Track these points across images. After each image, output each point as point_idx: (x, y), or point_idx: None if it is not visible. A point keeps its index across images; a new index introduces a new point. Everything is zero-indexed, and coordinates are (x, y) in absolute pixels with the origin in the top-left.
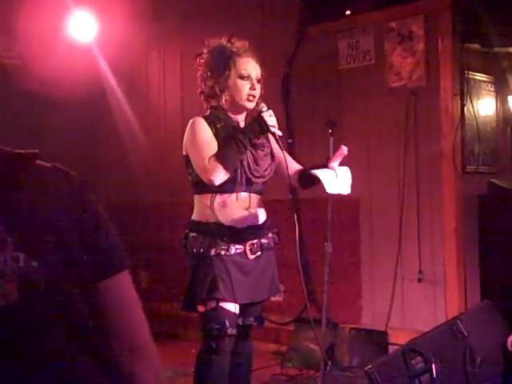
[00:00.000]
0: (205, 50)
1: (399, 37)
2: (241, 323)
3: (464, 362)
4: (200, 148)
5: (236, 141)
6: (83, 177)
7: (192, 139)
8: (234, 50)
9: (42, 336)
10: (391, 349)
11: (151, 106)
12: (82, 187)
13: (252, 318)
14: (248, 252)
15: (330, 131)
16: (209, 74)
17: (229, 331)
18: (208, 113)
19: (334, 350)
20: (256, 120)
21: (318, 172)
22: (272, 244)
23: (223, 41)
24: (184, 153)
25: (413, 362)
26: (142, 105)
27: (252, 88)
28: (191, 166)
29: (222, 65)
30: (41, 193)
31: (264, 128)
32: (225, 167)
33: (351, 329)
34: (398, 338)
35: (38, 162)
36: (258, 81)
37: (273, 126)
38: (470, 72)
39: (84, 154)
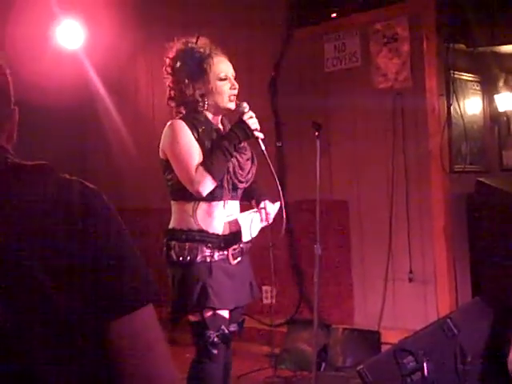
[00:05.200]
0: (170, 55)
1: (384, 38)
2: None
3: (455, 359)
4: (184, 155)
5: (222, 149)
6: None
7: (173, 144)
8: (202, 50)
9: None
10: (384, 348)
11: (140, 111)
12: (89, 198)
13: (235, 325)
14: (230, 257)
15: (316, 133)
16: (186, 81)
17: (228, 336)
18: (183, 114)
19: (328, 350)
20: (239, 125)
21: (240, 217)
22: (249, 248)
23: (184, 43)
24: (162, 157)
25: (404, 361)
26: (130, 111)
27: (232, 87)
28: (171, 171)
29: (197, 69)
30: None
31: (248, 133)
32: (213, 177)
33: (344, 329)
34: (391, 338)
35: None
36: (234, 78)
37: (256, 130)
38: (455, 72)
39: (72, 160)
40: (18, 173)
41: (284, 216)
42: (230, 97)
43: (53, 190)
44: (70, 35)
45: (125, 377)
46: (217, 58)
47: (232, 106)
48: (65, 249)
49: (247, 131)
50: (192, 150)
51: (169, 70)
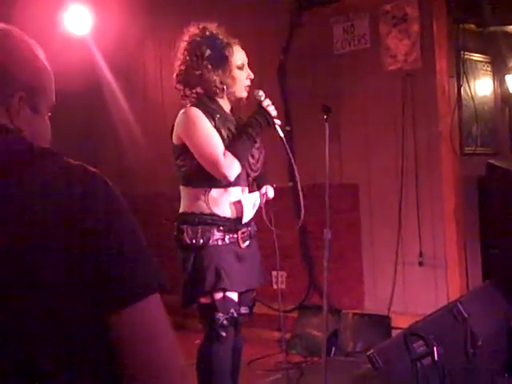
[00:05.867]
0: (190, 39)
1: (394, 19)
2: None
3: (465, 343)
4: (208, 142)
5: (247, 135)
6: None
7: (194, 132)
8: (223, 38)
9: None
10: (394, 333)
11: (149, 96)
12: (90, 182)
13: (246, 308)
14: (240, 241)
15: (325, 117)
16: (209, 66)
17: (239, 320)
18: (193, 99)
19: (338, 335)
20: (260, 112)
21: (243, 199)
22: (256, 232)
23: (203, 29)
24: (176, 142)
25: (414, 345)
26: (139, 96)
27: (248, 76)
28: (185, 157)
29: (219, 56)
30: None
31: (269, 120)
32: (241, 163)
33: (354, 314)
34: (401, 322)
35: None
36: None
37: (275, 117)
38: (466, 52)
39: (81, 147)
40: (22, 156)
41: (302, 204)
42: (245, 87)
43: (54, 174)
44: (78, 21)
45: (131, 367)
46: (235, 47)
47: (245, 94)
48: (64, 233)
49: (268, 118)
50: (215, 137)
51: (189, 53)
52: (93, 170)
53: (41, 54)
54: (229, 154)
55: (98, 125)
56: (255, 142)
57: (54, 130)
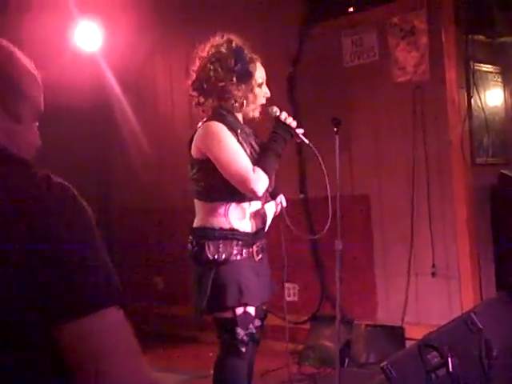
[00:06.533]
0: (208, 47)
1: (402, 32)
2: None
3: (480, 355)
4: (237, 158)
5: (273, 151)
6: (87, 186)
7: (221, 146)
8: (250, 56)
9: None
10: (408, 344)
11: (159, 112)
12: (54, 193)
13: (258, 320)
14: (255, 254)
15: (335, 129)
16: (234, 79)
17: (256, 336)
18: (207, 109)
19: (351, 346)
20: (281, 127)
21: (266, 207)
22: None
23: (229, 41)
24: (196, 156)
25: (428, 356)
26: (149, 111)
27: (265, 95)
28: (205, 172)
29: (245, 71)
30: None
31: (292, 132)
32: (269, 178)
33: (367, 325)
34: (415, 333)
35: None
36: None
37: (296, 128)
38: (475, 63)
39: (91, 162)
40: None
41: (330, 211)
42: (259, 105)
43: (15, 183)
44: (88, 37)
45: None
46: (258, 64)
47: (257, 113)
48: (18, 244)
49: (290, 131)
50: (241, 152)
51: (213, 62)
52: (58, 180)
53: (24, 59)
54: (258, 170)
55: (108, 140)
56: (280, 157)
57: (63, 146)
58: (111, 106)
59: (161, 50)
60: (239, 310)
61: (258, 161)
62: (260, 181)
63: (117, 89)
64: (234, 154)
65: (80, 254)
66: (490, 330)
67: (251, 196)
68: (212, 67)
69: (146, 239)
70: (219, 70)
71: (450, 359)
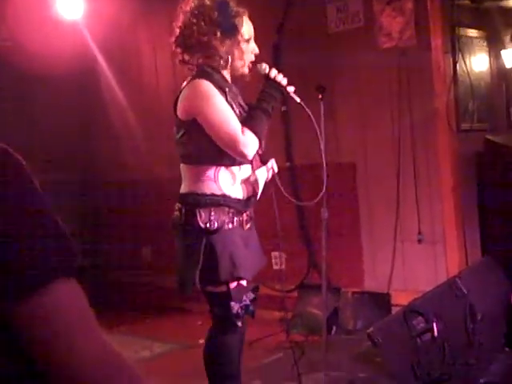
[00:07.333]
0: (195, 2)
1: None
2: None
3: (465, 319)
4: (225, 119)
5: (263, 110)
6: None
7: (209, 107)
8: (234, 6)
9: None
10: (394, 310)
11: (143, 81)
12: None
13: (252, 293)
14: (244, 223)
15: (320, 96)
16: (218, 34)
17: (251, 308)
18: (192, 67)
19: (338, 314)
20: (270, 84)
21: (257, 173)
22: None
23: None
24: (183, 118)
25: (414, 322)
26: (133, 81)
27: (253, 51)
28: (194, 133)
29: (230, 25)
30: None
31: (282, 90)
32: (259, 140)
33: (354, 292)
34: (401, 300)
35: None
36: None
37: (287, 85)
38: (461, 28)
39: (75, 133)
40: None
41: (325, 182)
42: (249, 63)
43: None
44: (70, 5)
45: (47, 367)
46: (245, 18)
47: (246, 70)
48: None
49: (280, 88)
50: (230, 112)
51: (196, 16)
52: (15, 154)
53: None
54: (247, 132)
55: (92, 110)
56: (270, 116)
57: (47, 114)
58: (95, 75)
59: (144, 20)
60: (233, 284)
61: (247, 121)
62: (250, 143)
63: (100, 57)
64: (224, 114)
65: (30, 224)
66: (474, 294)
67: (241, 160)
68: (195, 21)
69: (132, 211)
70: (202, 23)
71: (434, 324)
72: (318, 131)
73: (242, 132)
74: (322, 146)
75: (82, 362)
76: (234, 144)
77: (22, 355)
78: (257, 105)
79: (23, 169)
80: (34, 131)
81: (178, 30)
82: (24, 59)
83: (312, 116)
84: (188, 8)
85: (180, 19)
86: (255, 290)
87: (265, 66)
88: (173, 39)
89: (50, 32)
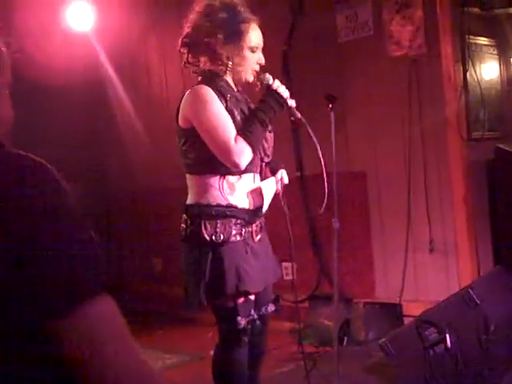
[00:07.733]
0: (206, 2)
1: (397, 5)
2: (258, 313)
3: (477, 330)
4: (219, 126)
5: (259, 120)
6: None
7: (204, 113)
8: (243, 11)
9: None
10: (406, 321)
11: (152, 93)
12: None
13: (271, 305)
14: (254, 234)
15: (330, 106)
16: (220, 37)
17: (257, 323)
18: (196, 68)
19: (350, 325)
20: (271, 95)
21: (263, 186)
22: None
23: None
24: (183, 125)
25: (426, 333)
26: (143, 91)
27: (259, 61)
28: (193, 142)
29: (234, 30)
30: None
31: (282, 102)
32: (253, 150)
33: (365, 303)
34: (413, 310)
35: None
36: (261, 50)
37: (288, 98)
38: (470, 36)
39: (85, 144)
40: None
41: (326, 189)
42: (253, 71)
43: None
44: (81, 17)
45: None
46: (253, 25)
47: (251, 78)
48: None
49: (280, 101)
50: (226, 119)
51: (202, 16)
52: (39, 160)
53: None
54: (240, 140)
55: (101, 121)
56: (267, 127)
57: (56, 126)
58: (105, 86)
59: (154, 32)
60: (240, 298)
61: (241, 130)
62: (242, 153)
63: (110, 69)
64: (218, 120)
65: (72, 238)
66: (487, 304)
67: (233, 168)
68: (201, 21)
69: (143, 221)
70: (207, 24)
71: (447, 335)
72: (315, 140)
73: (235, 140)
74: (320, 155)
75: (118, 373)
76: (225, 152)
77: (59, 366)
78: (254, 113)
79: (60, 184)
80: (44, 142)
81: (185, 30)
82: (34, 71)
83: (310, 130)
84: (198, 8)
85: (190, 19)
86: (276, 300)
87: (268, 77)
88: (180, 39)
89: (60, 44)
